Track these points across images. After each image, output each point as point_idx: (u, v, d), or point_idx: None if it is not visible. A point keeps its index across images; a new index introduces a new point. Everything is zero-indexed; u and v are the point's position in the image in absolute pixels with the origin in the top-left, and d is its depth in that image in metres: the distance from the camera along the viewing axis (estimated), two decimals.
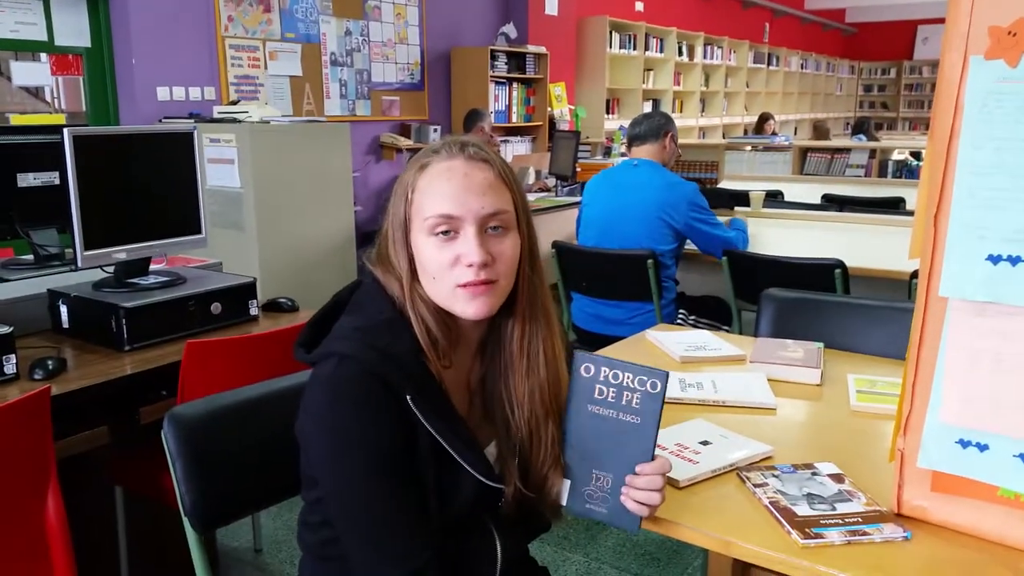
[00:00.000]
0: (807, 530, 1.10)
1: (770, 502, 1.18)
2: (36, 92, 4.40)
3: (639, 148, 3.14)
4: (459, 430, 1.08)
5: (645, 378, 1.09)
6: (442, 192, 1.06)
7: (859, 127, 7.80)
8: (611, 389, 1.11)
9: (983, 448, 1.08)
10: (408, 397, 1.03)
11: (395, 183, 1.13)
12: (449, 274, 1.06)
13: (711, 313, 3.21)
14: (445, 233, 1.06)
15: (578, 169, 5.59)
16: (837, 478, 1.25)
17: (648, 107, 8.88)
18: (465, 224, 1.06)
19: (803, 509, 1.16)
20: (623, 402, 1.10)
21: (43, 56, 4.19)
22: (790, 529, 1.11)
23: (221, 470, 1.35)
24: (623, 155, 3.25)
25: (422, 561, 1.04)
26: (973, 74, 1.04)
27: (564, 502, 1.14)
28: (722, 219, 3.17)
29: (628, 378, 1.10)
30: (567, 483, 1.14)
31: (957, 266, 1.07)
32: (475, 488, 1.09)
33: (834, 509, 1.16)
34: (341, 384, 1.03)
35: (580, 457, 1.13)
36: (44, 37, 4.08)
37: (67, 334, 2.11)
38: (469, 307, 1.07)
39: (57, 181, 2.29)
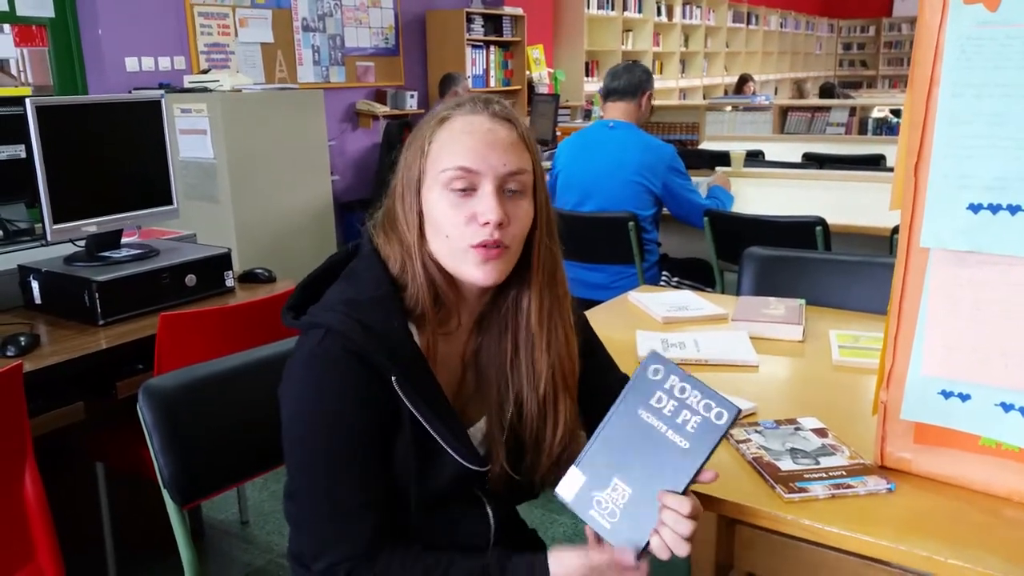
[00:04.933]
0: (791, 484, 1.10)
1: (754, 458, 1.18)
2: (0, 65, 4.29)
3: (615, 105, 3.07)
4: (443, 413, 1.05)
5: (713, 404, 0.97)
6: (463, 145, 1.02)
7: (826, 93, 7.41)
8: (672, 401, 0.99)
9: (965, 398, 1.08)
10: (392, 378, 1.00)
11: (409, 137, 1.08)
12: (463, 232, 1.02)
13: (694, 275, 3.20)
14: (462, 190, 1.02)
15: (558, 133, 5.55)
16: (820, 432, 1.25)
17: None
18: (484, 180, 1.01)
19: (787, 464, 1.16)
20: (678, 420, 0.98)
21: (6, 27, 4.07)
22: (774, 484, 1.11)
23: (199, 442, 1.33)
24: (602, 117, 3.19)
25: (360, 549, 1.01)
26: (952, 19, 1.02)
27: (569, 496, 1.01)
28: (701, 180, 3.13)
29: (695, 398, 0.98)
30: (579, 477, 1.02)
31: (938, 216, 1.06)
32: (457, 470, 1.06)
33: (818, 463, 1.16)
34: (323, 359, 1.00)
35: (607, 458, 1.01)
36: (5, 7, 3.96)
37: (40, 310, 2.07)
38: (479, 272, 1.02)
39: (23, 154, 2.23)
